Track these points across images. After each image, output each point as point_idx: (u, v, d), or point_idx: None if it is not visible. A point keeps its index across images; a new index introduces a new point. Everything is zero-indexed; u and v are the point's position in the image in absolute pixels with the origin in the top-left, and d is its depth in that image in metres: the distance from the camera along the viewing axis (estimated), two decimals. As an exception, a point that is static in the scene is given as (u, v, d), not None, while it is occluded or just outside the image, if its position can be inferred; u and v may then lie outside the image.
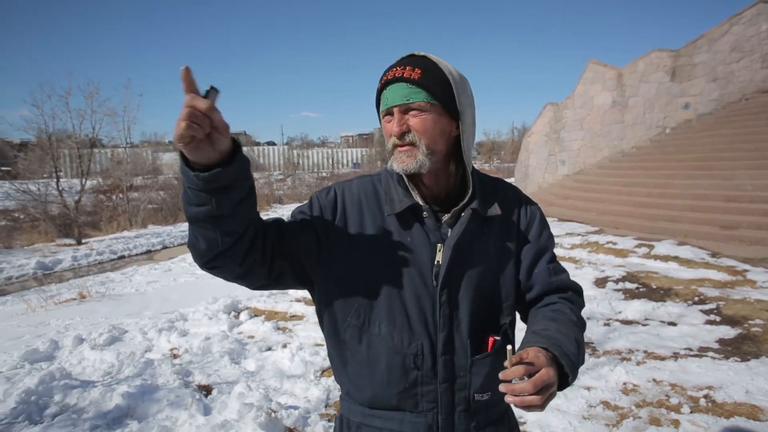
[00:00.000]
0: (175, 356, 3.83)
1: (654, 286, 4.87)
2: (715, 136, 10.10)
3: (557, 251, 6.81)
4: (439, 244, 0.96)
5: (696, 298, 4.37)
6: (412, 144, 0.91)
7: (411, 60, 0.93)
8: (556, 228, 8.83)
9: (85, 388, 3.08)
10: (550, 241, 1.06)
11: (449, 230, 0.97)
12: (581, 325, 1.00)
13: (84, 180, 14.10)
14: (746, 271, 5.09)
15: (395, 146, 0.93)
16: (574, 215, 10.01)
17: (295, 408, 2.81)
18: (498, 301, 1.00)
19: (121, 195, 16.58)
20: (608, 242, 7.14)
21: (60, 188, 13.40)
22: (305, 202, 1.05)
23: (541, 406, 0.76)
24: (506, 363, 0.78)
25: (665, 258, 5.93)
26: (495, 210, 0.99)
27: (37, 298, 5.91)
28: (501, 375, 0.77)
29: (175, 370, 3.40)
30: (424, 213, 0.97)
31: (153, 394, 3.02)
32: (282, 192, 25.31)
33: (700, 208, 7.67)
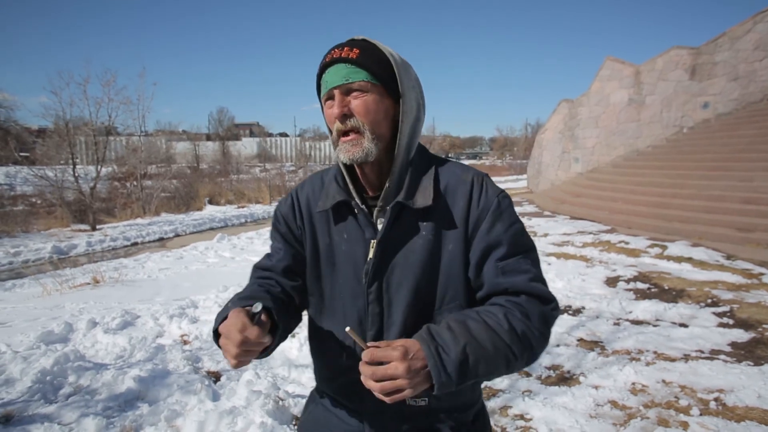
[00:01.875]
0: (185, 342, 3.88)
1: (666, 287, 4.81)
2: (734, 136, 9.91)
3: (568, 249, 6.82)
4: (373, 240, 0.92)
5: (709, 300, 4.31)
6: (356, 131, 0.87)
7: (349, 42, 0.90)
8: (567, 226, 8.76)
9: (98, 371, 3.15)
10: (506, 235, 0.89)
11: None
12: (512, 333, 0.81)
13: (99, 167, 14.30)
14: (762, 274, 5.00)
15: (339, 135, 0.89)
16: (586, 213, 9.91)
17: (303, 397, 2.84)
18: (440, 301, 0.92)
19: (135, 182, 16.80)
20: (620, 241, 7.06)
21: (76, 175, 13.61)
22: (273, 222, 1.07)
23: (384, 395, 0.74)
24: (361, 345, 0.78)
25: (678, 259, 5.85)
26: (426, 201, 0.89)
27: (53, 282, 6.03)
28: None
29: (185, 356, 3.45)
30: (355, 209, 0.93)
31: (164, 378, 3.07)
32: (293, 183, 25.41)
33: (716, 210, 7.54)
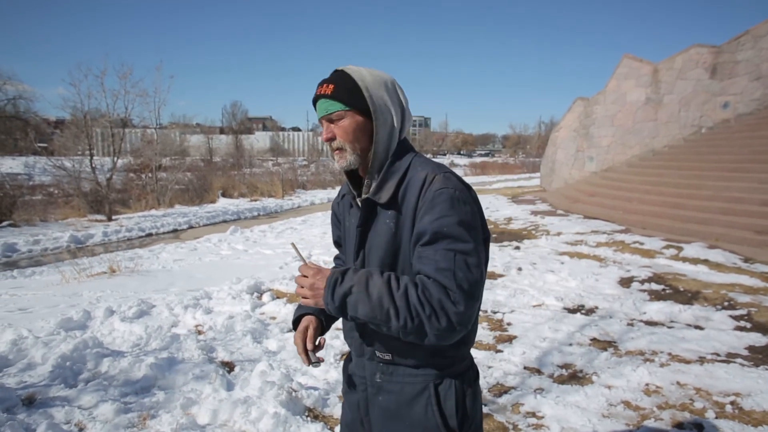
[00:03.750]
0: (199, 332, 3.94)
1: (681, 289, 4.75)
2: (754, 137, 9.70)
3: (581, 249, 6.77)
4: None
5: (725, 303, 4.24)
6: (340, 148, 1.11)
7: (329, 77, 1.12)
8: (580, 225, 8.68)
9: (115, 358, 3.21)
10: (430, 225, 1.00)
11: None
12: (403, 297, 0.97)
13: (116, 158, 14.49)
14: (781, 278, 4.92)
15: (332, 151, 1.13)
16: (600, 213, 9.81)
17: (315, 389, 2.87)
18: (400, 273, 1.10)
19: (150, 174, 17.00)
20: (635, 242, 6.98)
21: (93, 166, 13.82)
22: None
23: (299, 296, 1.08)
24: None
25: (694, 261, 5.77)
26: (386, 197, 1.08)
27: (71, 270, 6.15)
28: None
29: (199, 345, 3.50)
30: (352, 202, 1.20)
31: (179, 367, 3.12)
32: (305, 178, 25.50)
33: (734, 212, 7.41)
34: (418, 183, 1.06)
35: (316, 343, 1.19)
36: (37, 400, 2.63)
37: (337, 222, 1.34)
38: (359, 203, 1.16)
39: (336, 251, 1.48)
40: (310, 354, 1.16)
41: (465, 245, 1.00)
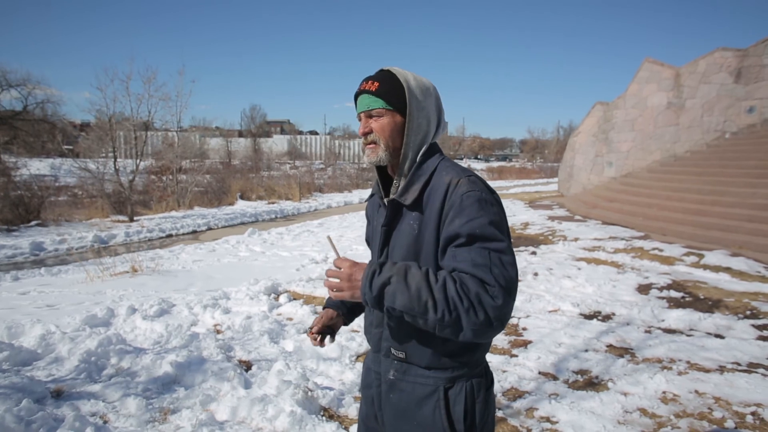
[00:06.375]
0: (218, 332, 4.03)
1: (701, 297, 4.67)
2: (780, 142, 9.45)
3: (599, 255, 6.69)
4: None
5: (748, 312, 4.16)
6: (374, 142, 1.15)
7: (375, 75, 1.17)
8: (598, 231, 8.57)
9: (137, 354, 3.31)
10: (463, 227, 1.03)
11: None
12: (441, 290, 0.98)
13: (139, 161, 14.83)
14: (806, 287, 4.78)
15: (365, 145, 1.18)
16: (619, 219, 9.67)
17: (331, 389, 2.91)
18: None
19: (170, 176, 17.34)
20: (654, 248, 6.87)
21: (116, 168, 14.18)
22: None
23: (330, 290, 1.09)
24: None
25: (716, 268, 5.65)
26: (411, 199, 1.11)
27: (95, 269, 6.34)
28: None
29: (218, 344, 3.58)
30: (379, 201, 1.26)
31: (198, 365, 3.20)
32: (322, 181, 25.67)
33: (759, 219, 7.22)
34: (442, 187, 1.09)
35: (326, 342, 1.32)
36: (64, 393, 2.73)
37: (368, 220, 1.40)
38: (386, 203, 1.20)
39: (366, 248, 1.54)
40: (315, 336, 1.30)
41: (499, 244, 1.02)
